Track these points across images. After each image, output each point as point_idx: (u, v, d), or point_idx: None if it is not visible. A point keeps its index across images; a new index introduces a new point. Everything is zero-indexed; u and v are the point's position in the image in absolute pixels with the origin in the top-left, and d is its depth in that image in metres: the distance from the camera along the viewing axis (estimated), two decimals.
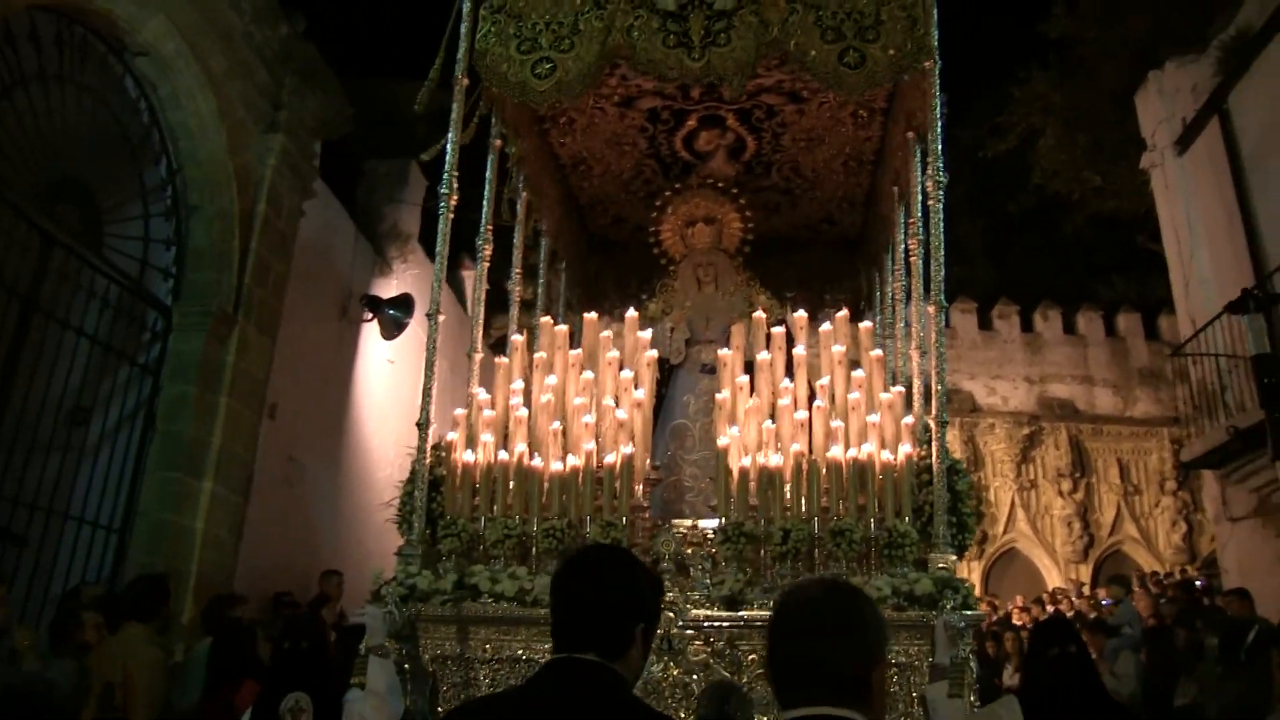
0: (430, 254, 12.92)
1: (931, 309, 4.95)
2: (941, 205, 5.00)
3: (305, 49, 9.02)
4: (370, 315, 11.06)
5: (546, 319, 6.08)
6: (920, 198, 5.45)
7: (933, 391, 4.86)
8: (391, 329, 11.16)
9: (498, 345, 15.95)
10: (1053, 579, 18.11)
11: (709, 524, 5.25)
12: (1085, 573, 18.49)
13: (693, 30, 5.25)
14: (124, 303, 7.76)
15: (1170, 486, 18.53)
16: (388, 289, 11.51)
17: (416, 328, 11.11)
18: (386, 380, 11.63)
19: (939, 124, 5.10)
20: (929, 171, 5.08)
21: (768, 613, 4.28)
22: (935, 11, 5.17)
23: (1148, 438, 18.95)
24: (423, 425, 4.89)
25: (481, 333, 5.64)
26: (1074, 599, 14.59)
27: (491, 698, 3.05)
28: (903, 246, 6.13)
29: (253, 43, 8.49)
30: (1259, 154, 10.66)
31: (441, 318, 5.19)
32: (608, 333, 5.86)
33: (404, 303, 11.14)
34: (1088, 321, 20.00)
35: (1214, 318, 10.72)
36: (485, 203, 5.71)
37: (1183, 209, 12.06)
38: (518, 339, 5.76)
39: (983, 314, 19.87)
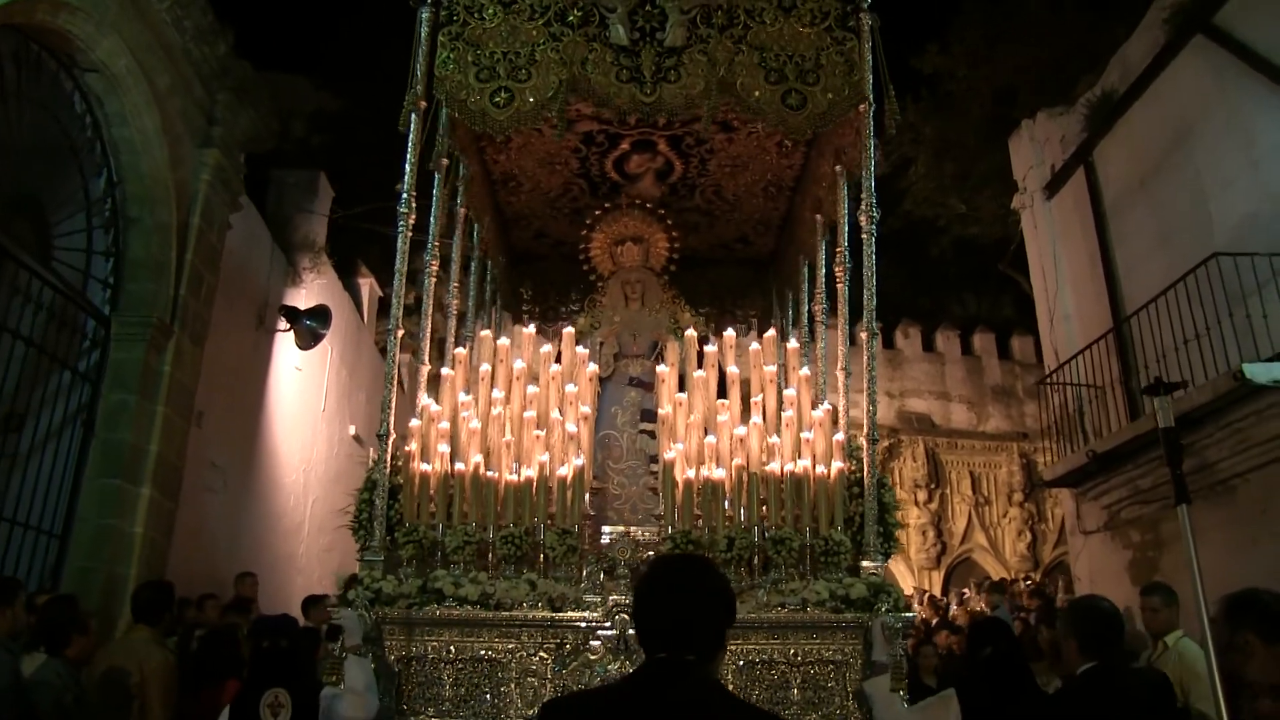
0: (336, 266, 13.10)
1: (864, 335, 5.35)
2: (874, 239, 5.40)
3: (240, 66, 9.25)
4: (287, 325, 11.23)
5: (486, 333, 6.27)
6: (847, 229, 5.87)
7: (864, 411, 5.25)
8: (308, 339, 11.33)
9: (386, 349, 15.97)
10: (907, 584, 19.03)
11: (639, 530, 5.60)
12: (937, 579, 19.49)
13: (644, 66, 5.50)
14: (66, 312, 7.83)
15: (1018, 498, 19.71)
16: (298, 298, 11.67)
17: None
18: (294, 388, 11.89)
19: (873, 163, 5.51)
20: (862, 206, 5.47)
21: None
22: (870, 57, 5.56)
23: (998, 452, 20.10)
24: (384, 435, 5.04)
25: (428, 344, 5.78)
26: (954, 605, 15.40)
27: (597, 693, 3.14)
28: (823, 271, 6.58)
29: (192, 59, 8.72)
30: (1119, 206, 11.62)
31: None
32: (548, 347, 6.07)
33: (321, 314, 11.36)
34: (945, 340, 21.10)
35: (1077, 352, 11.69)
36: (433, 219, 5.84)
37: (1050, 249, 13.00)
38: (461, 352, 5.94)
39: (849, 330, 20.61)
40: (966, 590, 17.07)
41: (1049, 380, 12.48)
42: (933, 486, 19.90)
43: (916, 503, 19.74)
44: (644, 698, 2.40)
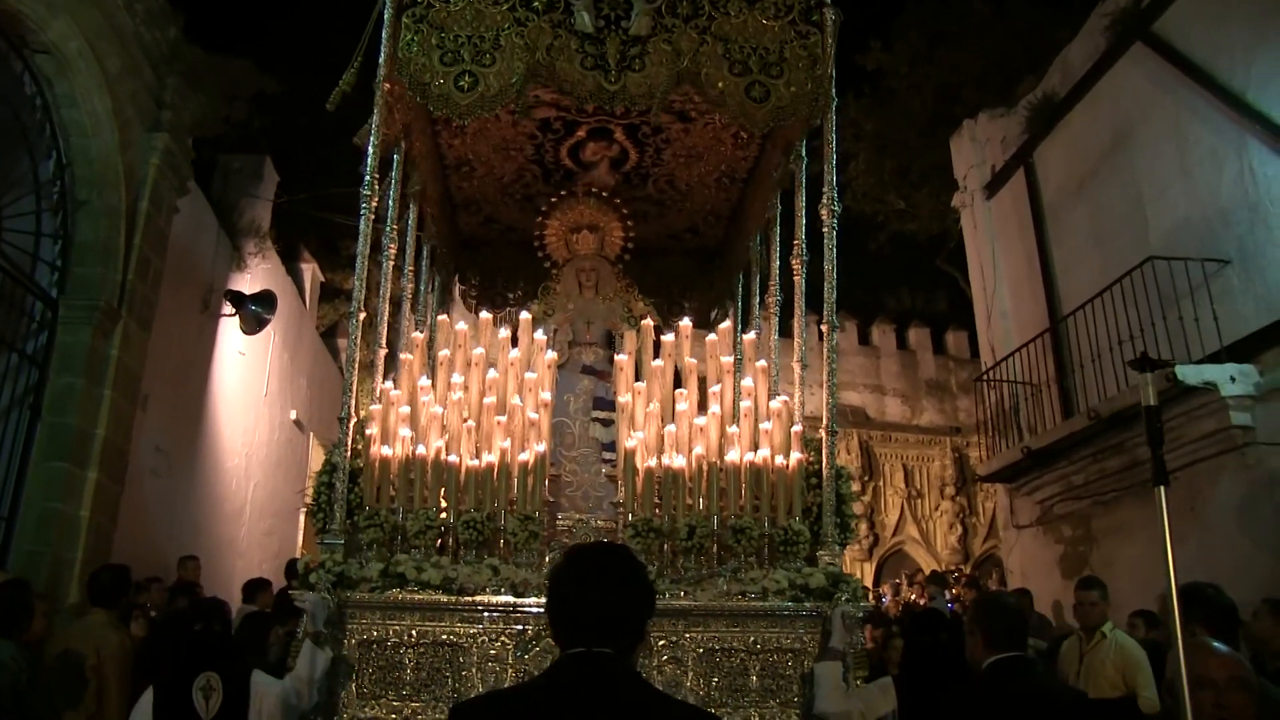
0: (280, 251, 12.97)
1: (825, 327, 5.41)
2: (835, 233, 5.47)
3: (190, 51, 9.27)
4: (232, 310, 11.22)
5: (444, 318, 6.23)
6: (803, 222, 5.93)
7: (823, 404, 5.32)
8: (253, 324, 11.34)
9: (328, 334, 15.81)
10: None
11: (594, 518, 5.63)
12: (869, 570, 19.75)
13: (609, 54, 5.48)
14: (14, 294, 7.80)
15: (950, 492, 20.01)
16: (242, 284, 11.66)
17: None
18: (237, 373, 11.94)
19: (834, 157, 5.58)
20: (823, 200, 5.53)
21: (679, 603, 4.69)
22: (834, 51, 5.61)
23: (931, 445, 20.39)
24: (344, 418, 4.99)
25: (385, 328, 5.71)
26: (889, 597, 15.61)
27: (512, 691, 3.08)
28: (776, 265, 6.64)
29: (142, 43, 8.71)
30: (1057, 207, 11.92)
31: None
32: (505, 332, 6.06)
33: (266, 299, 11.39)
34: (881, 333, 21.36)
35: (1014, 350, 11.99)
36: (392, 202, 5.78)
37: (989, 248, 13.30)
38: (418, 336, 5.91)
39: (784, 322, 20.78)
40: (899, 580, 17.38)
41: (985, 377, 12.73)
42: (866, 479, 20.11)
43: (853, 488, 19.89)
44: (562, 696, 2.29)
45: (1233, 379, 8.09)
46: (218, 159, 11.91)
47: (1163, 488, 3.19)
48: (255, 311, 11.21)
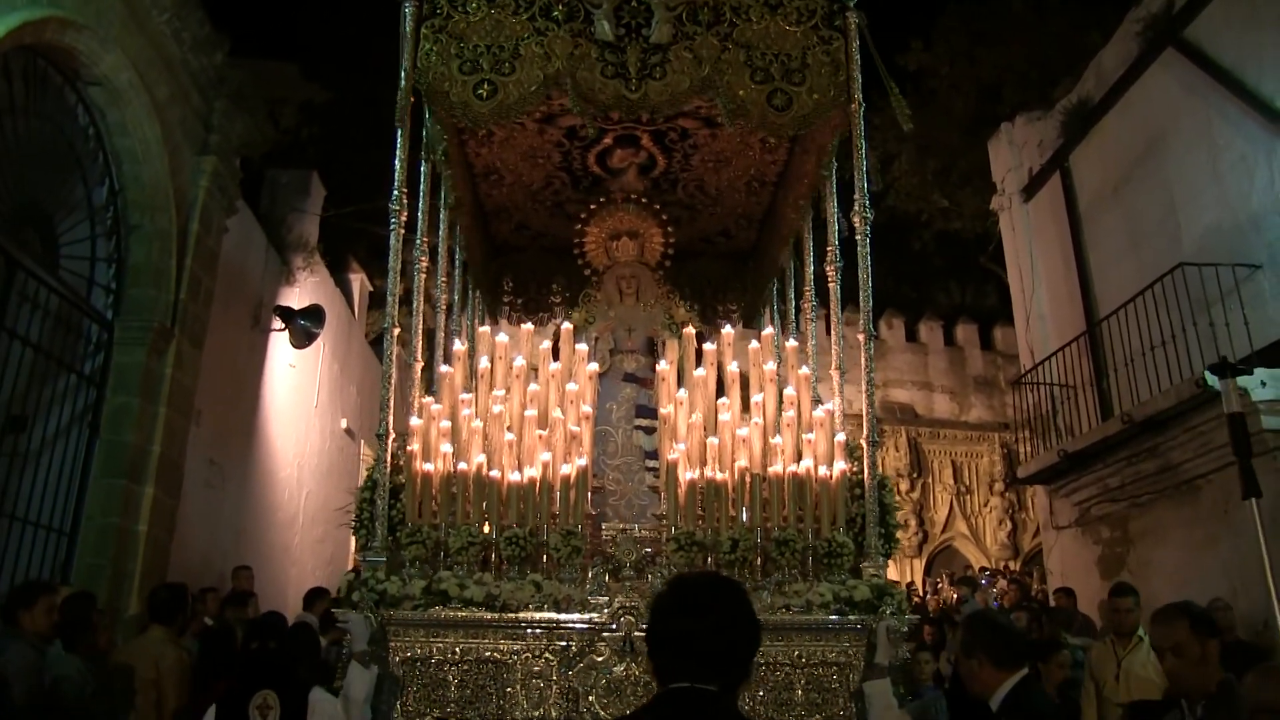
0: (329, 263, 13.13)
1: (861, 337, 5.34)
2: (869, 240, 5.40)
3: (236, 74, 9.50)
4: (282, 325, 11.40)
5: (484, 329, 6.24)
6: (836, 227, 5.87)
7: (863, 413, 5.26)
8: (302, 338, 11.48)
9: (376, 342, 15.98)
10: (890, 573, 19.05)
11: (637, 528, 5.60)
12: (919, 567, 19.60)
13: (630, 62, 5.44)
14: (71, 317, 8.06)
15: (998, 488, 19.81)
16: (291, 297, 11.86)
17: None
18: (288, 384, 12.14)
19: (864, 163, 5.50)
20: (855, 208, 5.46)
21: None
22: (859, 56, 5.52)
23: (980, 441, 20.19)
24: (383, 435, 5.01)
25: (420, 340, 5.70)
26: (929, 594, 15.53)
27: None
28: (811, 269, 6.58)
29: (190, 70, 8.98)
30: (1093, 211, 11.91)
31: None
32: (547, 343, 6.06)
33: (315, 313, 11.54)
34: (929, 330, 21.17)
35: (1051, 353, 12.01)
36: (421, 214, 5.80)
37: (1026, 251, 13.30)
38: (459, 348, 5.92)
39: (827, 327, 20.69)
40: (940, 581, 17.24)
41: (1024, 380, 12.76)
42: (915, 476, 19.99)
43: (899, 492, 19.81)
44: None
45: (1263, 383, 8.07)
46: (265, 173, 12.05)
47: (1255, 500, 3.08)
48: (304, 326, 11.37)
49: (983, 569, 17.96)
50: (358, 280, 15.22)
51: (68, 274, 8.13)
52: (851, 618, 4.74)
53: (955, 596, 13.93)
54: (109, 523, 8.03)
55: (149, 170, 8.55)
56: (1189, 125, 10.02)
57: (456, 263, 7.00)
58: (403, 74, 5.39)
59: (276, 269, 11.76)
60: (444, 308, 6.52)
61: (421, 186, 5.90)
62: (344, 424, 14.18)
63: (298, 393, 12.53)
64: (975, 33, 15.84)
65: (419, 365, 5.77)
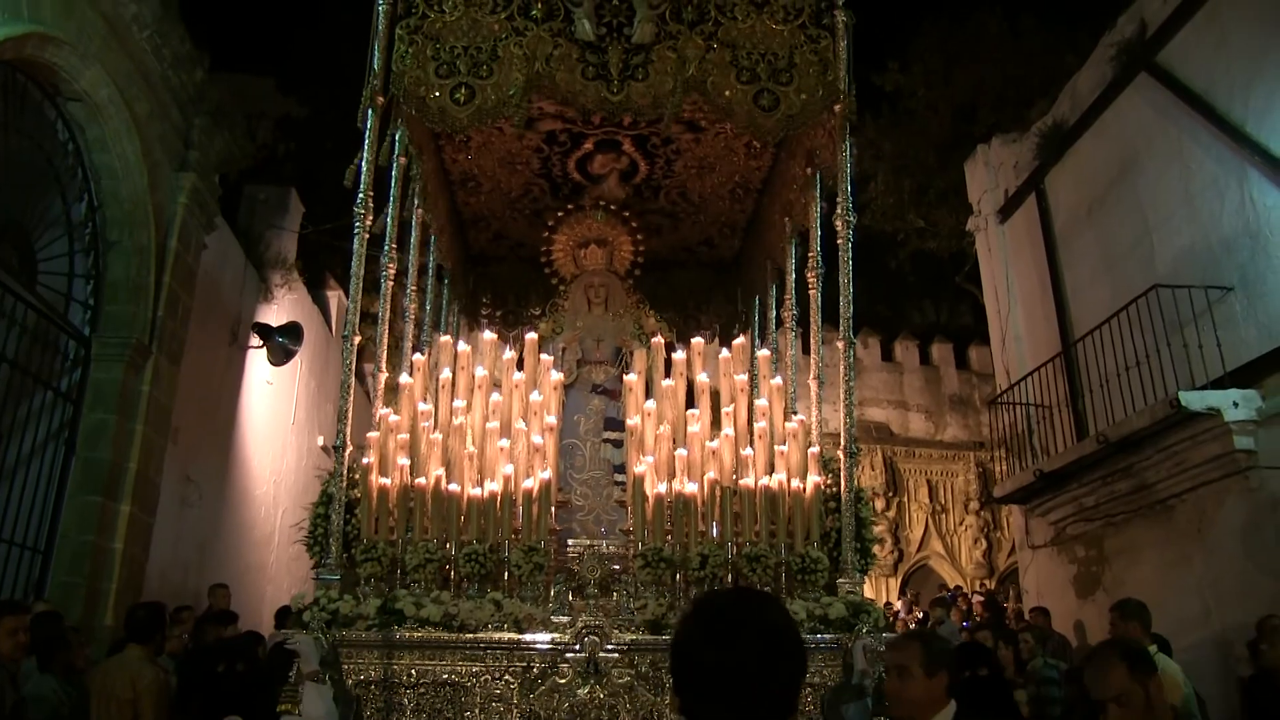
0: (307, 280, 12.93)
1: (841, 344, 5.16)
2: (851, 244, 5.23)
3: (215, 91, 9.48)
4: (260, 342, 11.30)
5: (446, 339, 6.02)
6: (818, 233, 5.69)
7: (841, 424, 5.07)
8: (280, 356, 11.43)
9: (356, 358, 15.78)
10: (865, 591, 18.87)
11: (605, 544, 5.38)
12: (894, 585, 19.44)
13: (611, 63, 5.28)
14: (48, 333, 7.96)
15: (974, 507, 19.70)
16: (269, 315, 11.76)
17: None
18: (265, 402, 12.05)
19: (849, 165, 5.33)
20: (839, 211, 5.29)
21: None
22: (847, 55, 5.37)
23: (955, 460, 20.08)
24: (340, 447, 4.78)
25: (384, 351, 5.47)
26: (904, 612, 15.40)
27: None
28: (793, 277, 6.39)
29: (170, 86, 8.93)
30: (1068, 233, 11.98)
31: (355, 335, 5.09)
32: (510, 353, 5.85)
33: (293, 330, 11.49)
34: (904, 349, 21.09)
35: (1027, 374, 11.99)
36: (390, 221, 5.58)
37: (1002, 271, 13.35)
38: (419, 359, 5.69)
39: (807, 339, 20.56)
40: (911, 597, 17.11)
41: (1000, 399, 12.74)
42: (890, 494, 19.86)
43: (874, 510, 19.62)
44: None
45: (1235, 404, 8.19)
46: (244, 190, 11.94)
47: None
48: (282, 344, 11.30)
49: (956, 587, 17.79)
50: (335, 297, 15.10)
51: (45, 290, 8.03)
52: (826, 636, 4.54)
53: (929, 621, 13.77)
54: (84, 540, 7.94)
55: (128, 186, 8.48)
56: (1162, 148, 10.12)
57: (429, 273, 6.79)
58: (371, 70, 5.18)
59: (255, 286, 11.69)
60: (411, 319, 6.29)
61: (392, 192, 5.66)
62: (321, 441, 14.04)
63: (275, 410, 12.46)
64: (951, 54, 16.00)
65: (382, 376, 5.55)
